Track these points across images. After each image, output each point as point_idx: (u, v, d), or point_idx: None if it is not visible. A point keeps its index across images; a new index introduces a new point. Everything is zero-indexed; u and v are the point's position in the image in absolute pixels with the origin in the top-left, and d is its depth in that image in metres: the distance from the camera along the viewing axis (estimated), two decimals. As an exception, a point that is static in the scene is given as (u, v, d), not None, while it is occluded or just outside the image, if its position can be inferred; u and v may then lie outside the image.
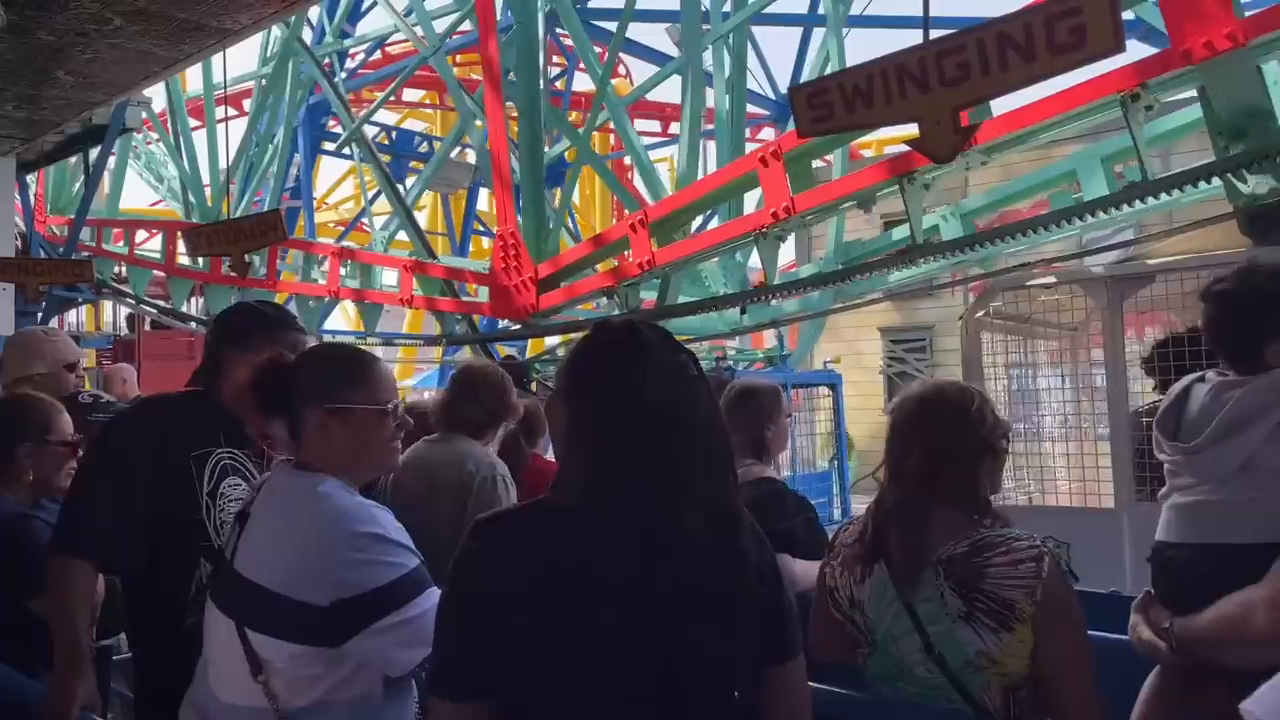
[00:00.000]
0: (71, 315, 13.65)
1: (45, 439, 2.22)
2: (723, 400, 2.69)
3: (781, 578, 1.33)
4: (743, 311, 6.30)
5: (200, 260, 8.31)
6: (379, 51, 17.11)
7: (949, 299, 12.80)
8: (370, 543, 1.45)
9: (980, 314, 4.68)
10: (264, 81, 9.98)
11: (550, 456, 4.13)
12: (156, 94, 11.20)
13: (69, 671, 1.75)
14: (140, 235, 10.64)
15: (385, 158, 15.38)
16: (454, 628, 1.20)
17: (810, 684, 1.37)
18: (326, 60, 12.63)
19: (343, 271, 8.00)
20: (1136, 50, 4.22)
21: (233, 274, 5.34)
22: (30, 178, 11.31)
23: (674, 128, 21.07)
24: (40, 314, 8.58)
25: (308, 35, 10.60)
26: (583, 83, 19.43)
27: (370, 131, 17.70)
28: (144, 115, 9.26)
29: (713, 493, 1.20)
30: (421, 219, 13.71)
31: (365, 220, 16.03)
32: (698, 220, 6.88)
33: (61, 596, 1.80)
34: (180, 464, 1.85)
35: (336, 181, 21.78)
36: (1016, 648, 1.50)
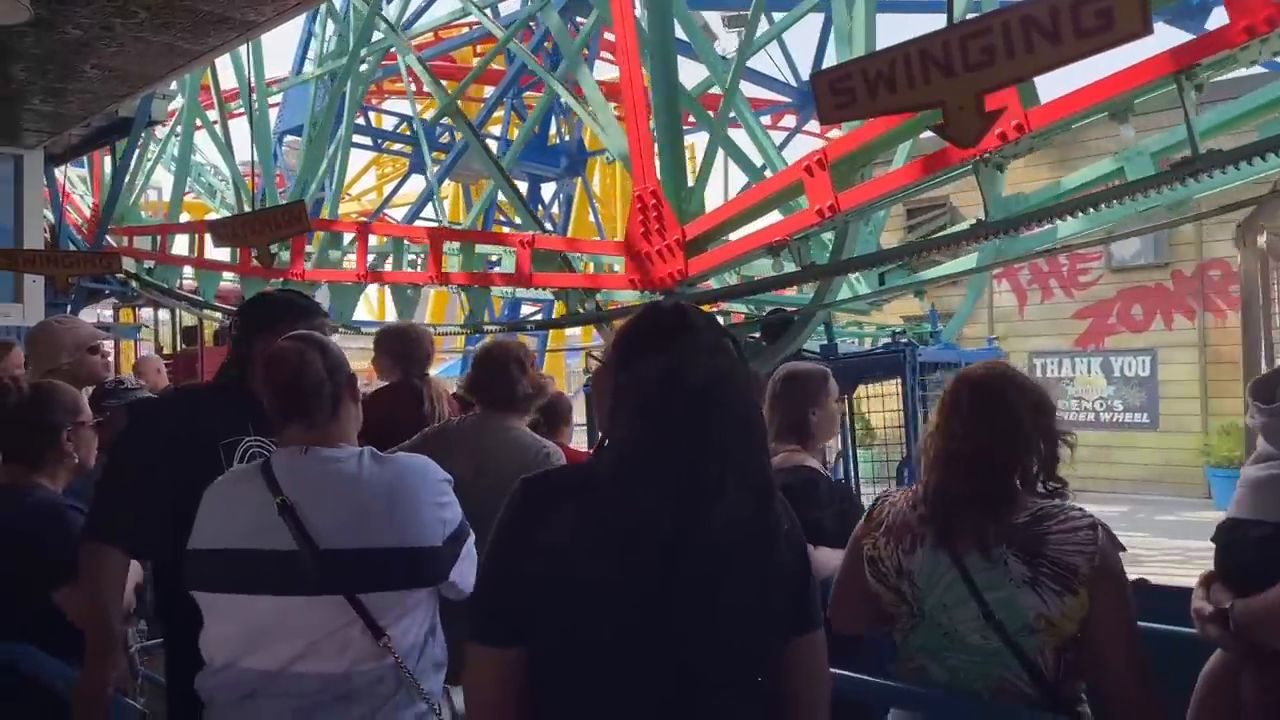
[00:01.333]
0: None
1: (79, 421, 2.29)
2: (770, 384, 2.71)
3: (808, 551, 1.38)
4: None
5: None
6: (431, 34, 17.08)
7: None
8: (447, 485, 1.69)
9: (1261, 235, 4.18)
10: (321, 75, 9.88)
11: (575, 446, 4.18)
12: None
13: (101, 657, 1.78)
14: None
15: (407, 148, 15.48)
16: (498, 577, 1.29)
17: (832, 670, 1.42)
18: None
19: (370, 258, 7.95)
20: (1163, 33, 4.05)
21: (259, 265, 5.38)
22: (83, 173, 11.45)
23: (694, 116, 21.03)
24: (70, 306, 8.71)
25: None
26: (604, 71, 19.38)
27: (389, 122, 17.80)
28: (170, 107, 9.35)
29: (749, 464, 1.28)
30: (444, 209, 13.76)
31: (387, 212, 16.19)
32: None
33: (92, 582, 1.84)
34: (210, 452, 1.89)
35: (359, 172, 21.82)
36: (1075, 610, 1.59)
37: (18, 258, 6.67)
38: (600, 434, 1.35)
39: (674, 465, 1.22)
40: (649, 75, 5.53)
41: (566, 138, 15.67)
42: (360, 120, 14.71)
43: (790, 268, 4.98)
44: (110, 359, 3.36)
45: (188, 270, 9.79)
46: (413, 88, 12.64)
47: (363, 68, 9.45)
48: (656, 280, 5.33)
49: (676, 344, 1.27)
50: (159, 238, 9.38)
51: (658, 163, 5.41)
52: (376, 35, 9.27)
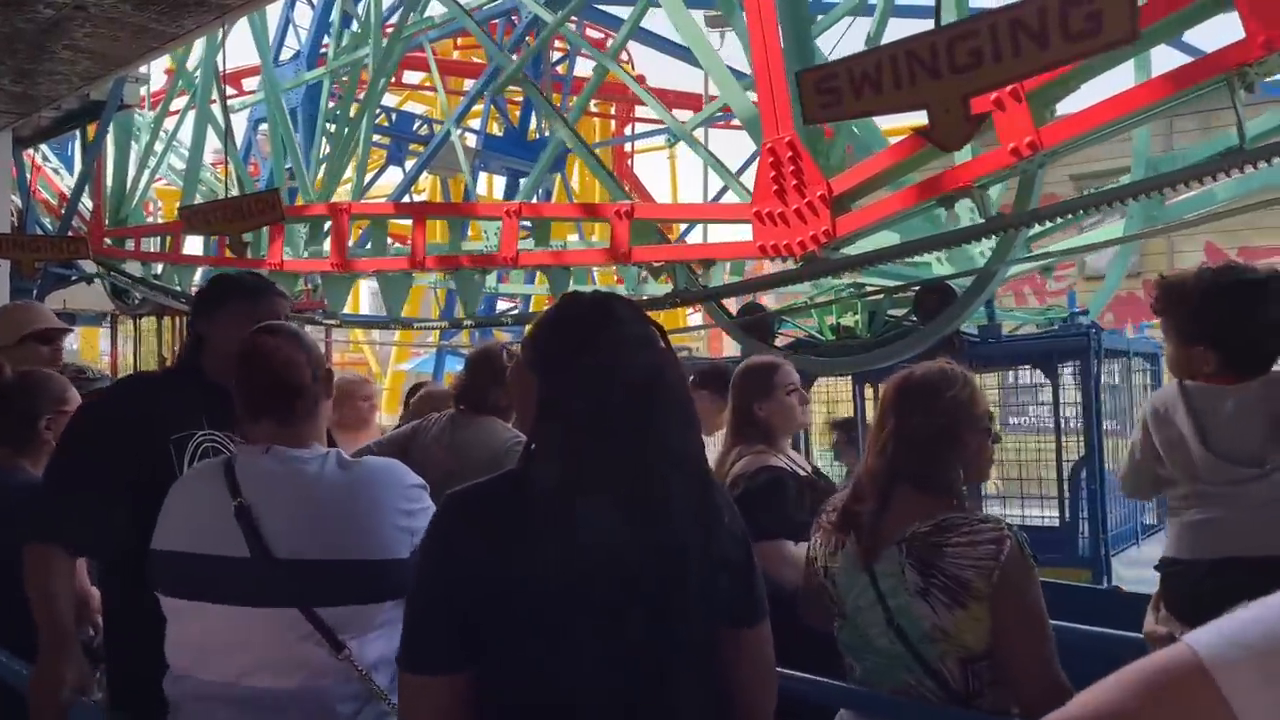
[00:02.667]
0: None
1: (62, 409, 2.26)
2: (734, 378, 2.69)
3: (750, 541, 1.35)
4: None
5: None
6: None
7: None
8: (418, 491, 1.59)
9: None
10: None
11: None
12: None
13: (54, 655, 1.72)
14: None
15: (383, 139, 15.34)
16: (428, 601, 1.23)
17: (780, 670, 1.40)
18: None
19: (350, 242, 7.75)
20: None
21: (231, 254, 5.29)
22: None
23: (678, 113, 21.06)
24: (35, 291, 8.52)
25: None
26: (583, 68, 19.35)
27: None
28: (142, 91, 9.18)
29: (688, 458, 1.25)
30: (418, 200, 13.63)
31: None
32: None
33: (40, 582, 1.77)
34: (159, 447, 1.79)
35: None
36: (970, 624, 1.58)
37: (-19, 241, 6.51)
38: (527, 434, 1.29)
39: (618, 467, 1.19)
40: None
41: (547, 133, 15.63)
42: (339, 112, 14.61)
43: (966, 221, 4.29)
44: (61, 349, 3.21)
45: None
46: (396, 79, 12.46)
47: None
48: (796, 244, 4.42)
49: (605, 338, 1.22)
50: (169, 238, 8.87)
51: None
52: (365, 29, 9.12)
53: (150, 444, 1.79)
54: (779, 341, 5.92)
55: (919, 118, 2.71)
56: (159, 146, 9.96)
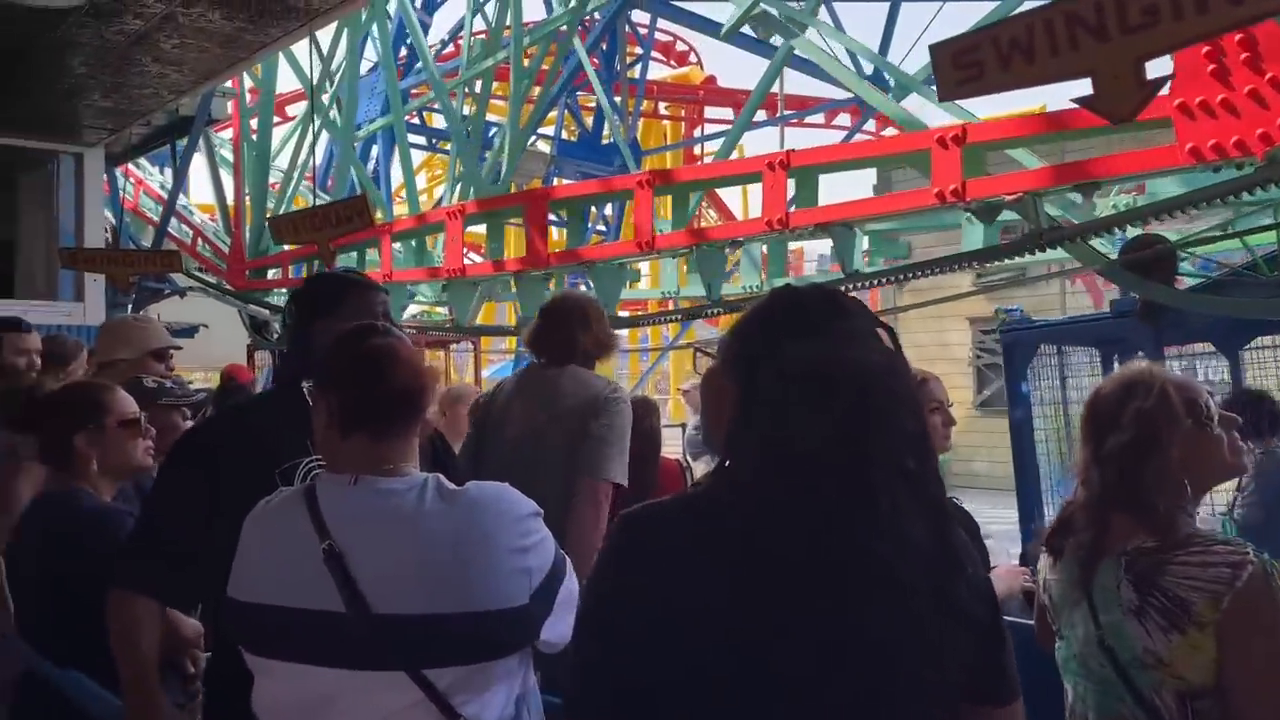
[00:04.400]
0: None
1: (101, 421, 2.08)
2: None
3: (996, 596, 1.08)
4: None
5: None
6: (451, 44, 17.11)
7: (1044, 287, 12.21)
8: (533, 520, 1.36)
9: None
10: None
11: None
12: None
13: (139, 710, 1.59)
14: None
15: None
16: (598, 641, 1.02)
17: None
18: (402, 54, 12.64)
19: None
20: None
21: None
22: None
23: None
24: (130, 305, 8.68)
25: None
26: (656, 70, 19.21)
27: (440, 120, 17.76)
28: (229, 107, 9.30)
29: (923, 482, 0.99)
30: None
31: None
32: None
33: (123, 631, 1.62)
34: (264, 483, 1.58)
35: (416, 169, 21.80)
36: (1188, 653, 1.43)
37: (78, 256, 6.61)
38: (716, 451, 1.07)
39: (837, 490, 0.94)
40: None
41: (621, 136, 15.53)
42: (414, 120, 14.70)
43: None
44: (173, 365, 3.18)
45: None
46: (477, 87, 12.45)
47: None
48: (1257, 138, 3.11)
49: (828, 335, 1.00)
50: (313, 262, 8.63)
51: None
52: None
53: (253, 477, 1.60)
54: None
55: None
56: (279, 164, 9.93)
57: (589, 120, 16.51)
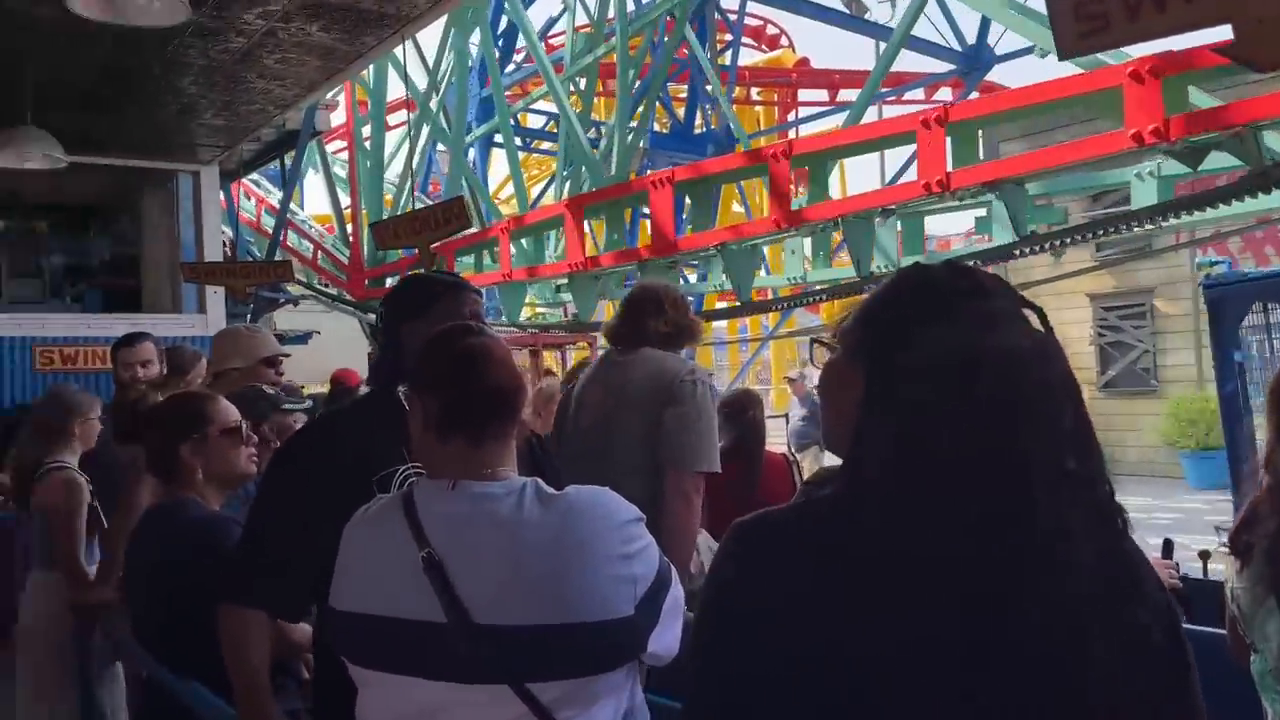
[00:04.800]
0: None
1: (204, 431, 2.11)
2: None
3: (1179, 621, 0.92)
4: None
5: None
6: (542, 43, 17.21)
7: (1172, 259, 11.48)
8: (635, 526, 1.29)
9: None
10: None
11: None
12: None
13: (250, 717, 1.60)
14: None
15: (552, 145, 15.56)
16: (712, 662, 0.91)
17: None
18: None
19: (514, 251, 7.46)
20: None
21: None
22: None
23: (842, 95, 20.25)
24: (249, 315, 9.07)
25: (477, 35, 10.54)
26: (747, 56, 18.95)
27: (537, 121, 17.98)
28: (334, 120, 9.60)
29: (1085, 479, 0.86)
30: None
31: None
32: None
33: (234, 646, 1.63)
34: (360, 490, 1.56)
35: (507, 178, 22.17)
36: None
37: (199, 270, 6.93)
38: (836, 450, 0.96)
39: (978, 490, 0.82)
40: None
41: (713, 126, 15.39)
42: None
43: None
44: (283, 374, 3.28)
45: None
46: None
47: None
48: None
49: (969, 314, 0.88)
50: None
51: None
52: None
53: (348, 485, 1.58)
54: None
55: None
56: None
57: (680, 111, 16.41)
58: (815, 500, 0.90)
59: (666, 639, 1.28)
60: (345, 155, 11.94)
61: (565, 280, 6.86)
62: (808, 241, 5.88)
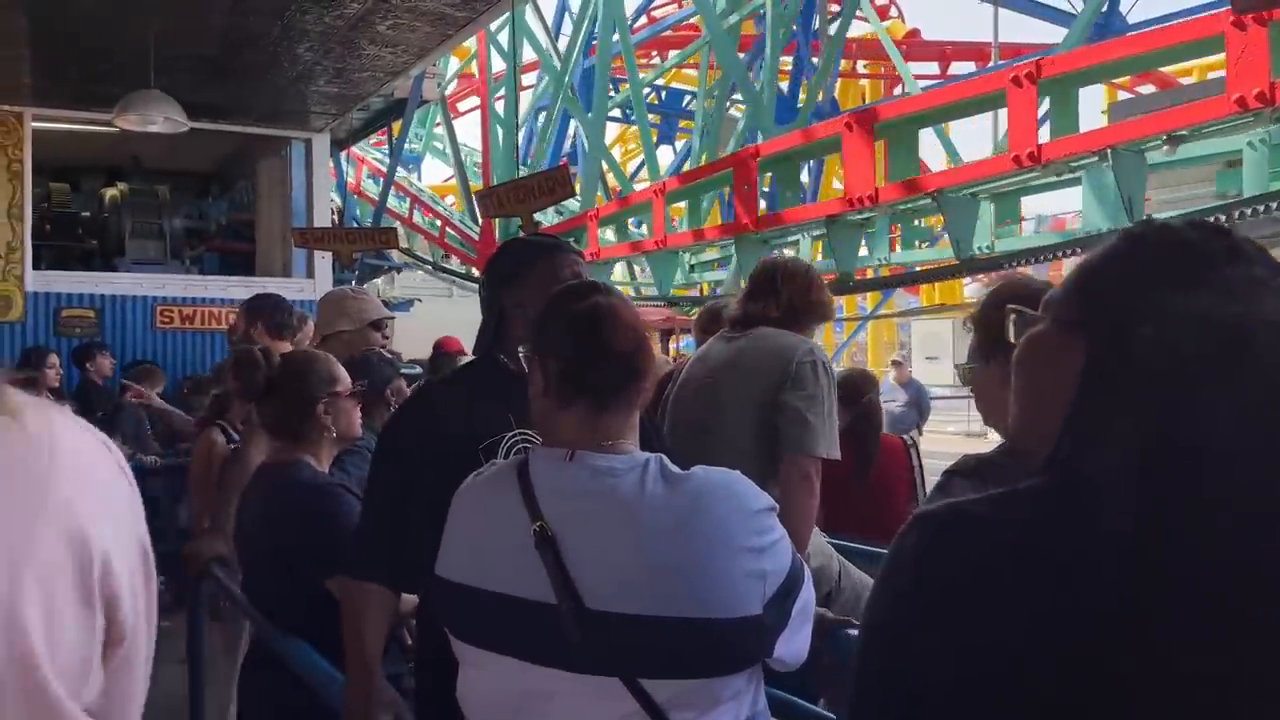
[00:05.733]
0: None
1: (334, 391, 2.10)
2: None
3: None
4: None
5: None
6: (644, 15, 17.08)
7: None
8: (768, 516, 1.18)
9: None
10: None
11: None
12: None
13: (360, 697, 1.57)
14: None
15: (654, 117, 15.42)
16: (891, 668, 0.79)
17: None
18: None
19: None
20: None
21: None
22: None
23: (954, 68, 19.44)
24: (354, 281, 9.28)
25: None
26: (859, 28, 18.34)
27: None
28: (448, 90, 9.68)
29: None
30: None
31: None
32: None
33: (350, 620, 1.61)
34: (467, 461, 1.52)
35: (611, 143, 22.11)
36: None
37: (308, 236, 7.09)
38: (1027, 438, 0.83)
39: (1248, 492, 0.68)
40: None
41: (820, 98, 15.00)
42: (610, 93, 14.85)
43: None
44: (389, 337, 3.31)
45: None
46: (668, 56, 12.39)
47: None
48: None
49: (1222, 284, 0.73)
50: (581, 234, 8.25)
51: None
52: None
53: (456, 458, 1.53)
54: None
55: None
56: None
57: (784, 85, 16.04)
58: (1014, 495, 0.77)
59: (796, 644, 1.18)
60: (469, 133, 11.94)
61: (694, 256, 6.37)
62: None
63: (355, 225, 9.83)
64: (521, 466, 1.23)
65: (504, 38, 11.18)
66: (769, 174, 6.54)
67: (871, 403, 3.23)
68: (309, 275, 7.96)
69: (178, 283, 7.54)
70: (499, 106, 12.63)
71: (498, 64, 13.23)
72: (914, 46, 19.98)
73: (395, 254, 9.37)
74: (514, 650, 1.16)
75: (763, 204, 8.06)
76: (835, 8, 16.31)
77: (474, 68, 12.88)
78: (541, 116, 13.78)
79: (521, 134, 12.21)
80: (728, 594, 1.10)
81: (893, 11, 21.55)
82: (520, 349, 1.39)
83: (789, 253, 6.19)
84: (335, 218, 9.56)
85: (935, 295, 16.84)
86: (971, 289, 16.49)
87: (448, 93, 10.08)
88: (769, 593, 1.13)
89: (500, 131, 10.58)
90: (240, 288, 7.81)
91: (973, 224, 4.88)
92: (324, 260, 7.75)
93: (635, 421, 1.25)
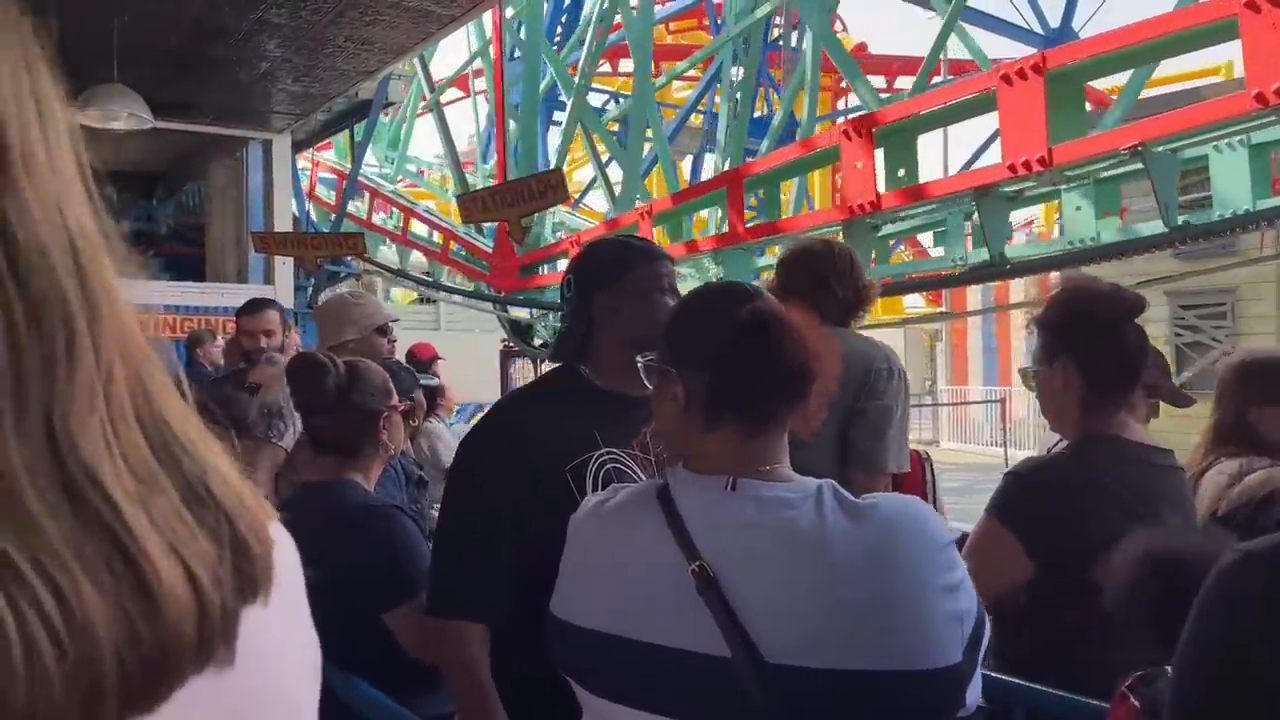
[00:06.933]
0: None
1: (390, 405, 1.92)
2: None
3: None
4: None
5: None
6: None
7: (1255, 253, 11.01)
8: (954, 550, 1.04)
9: None
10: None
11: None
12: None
13: None
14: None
15: (612, 125, 15.31)
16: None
17: None
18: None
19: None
20: None
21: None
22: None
23: (900, 83, 19.73)
24: (311, 288, 8.94)
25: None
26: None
27: (597, 100, 17.71)
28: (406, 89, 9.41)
29: None
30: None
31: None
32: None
33: (453, 656, 1.48)
34: (555, 483, 1.42)
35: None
36: None
37: (270, 240, 6.80)
38: None
39: None
40: None
41: (775, 110, 15.09)
42: (565, 99, 14.71)
43: None
44: (395, 343, 3.11)
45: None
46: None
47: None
48: None
49: None
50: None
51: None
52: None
53: (542, 480, 1.41)
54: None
55: None
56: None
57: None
58: None
59: (976, 690, 1.04)
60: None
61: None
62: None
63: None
64: (663, 494, 1.07)
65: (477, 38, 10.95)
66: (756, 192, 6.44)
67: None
68: (267, 281, 7.64)
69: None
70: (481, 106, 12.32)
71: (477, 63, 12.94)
72: (861, 61, 20.24)
73: (357, 261, 9.04)
74: (675, 710, 1.00)
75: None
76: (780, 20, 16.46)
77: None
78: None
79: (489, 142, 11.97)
80: (932, 641, 0.96)
81: (838, 25, 21.84)
82: (641, 358, 1.24)
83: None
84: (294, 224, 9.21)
85: (878, 309, 17.02)
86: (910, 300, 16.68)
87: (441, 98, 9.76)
88: (966, 635, 1.00)
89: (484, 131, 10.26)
90: (194, 293, 7.47)
91: (1006, 223, 4.71)
92: (285, 266, 7.45)
93: (786, 443, 1.10)
